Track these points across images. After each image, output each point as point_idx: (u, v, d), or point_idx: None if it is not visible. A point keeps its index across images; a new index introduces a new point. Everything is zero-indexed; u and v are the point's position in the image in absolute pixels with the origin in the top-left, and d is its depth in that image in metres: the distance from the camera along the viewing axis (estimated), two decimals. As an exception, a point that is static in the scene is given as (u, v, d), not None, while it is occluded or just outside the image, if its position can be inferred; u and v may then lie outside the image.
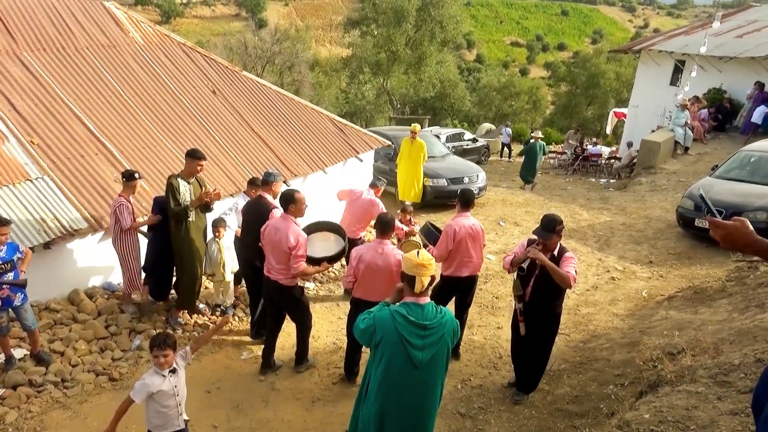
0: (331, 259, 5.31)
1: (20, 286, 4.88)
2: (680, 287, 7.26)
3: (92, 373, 5.27)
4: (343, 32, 33.96)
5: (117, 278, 6.75)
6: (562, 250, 4.62)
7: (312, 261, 5.14)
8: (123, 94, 7.82)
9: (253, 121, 8.91)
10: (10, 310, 5.02)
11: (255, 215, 5.63)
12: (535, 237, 4.69)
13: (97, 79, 7.76)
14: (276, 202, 5.61)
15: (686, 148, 14.99)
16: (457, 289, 5.61)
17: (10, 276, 4.88)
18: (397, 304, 3.23)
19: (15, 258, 4.95)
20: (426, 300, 3.22)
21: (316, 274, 7.56)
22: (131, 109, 7.72)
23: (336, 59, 39.07)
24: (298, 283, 5.29)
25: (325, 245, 5.45)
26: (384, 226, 4.85)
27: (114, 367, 5.38)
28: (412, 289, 3.18)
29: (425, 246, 5.72)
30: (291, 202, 5.01)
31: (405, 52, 28.91)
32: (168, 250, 5.94)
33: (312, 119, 9.76)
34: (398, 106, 32.95)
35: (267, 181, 5.82)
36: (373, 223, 6.15)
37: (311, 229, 5.53)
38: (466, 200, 5.52)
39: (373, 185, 7.44)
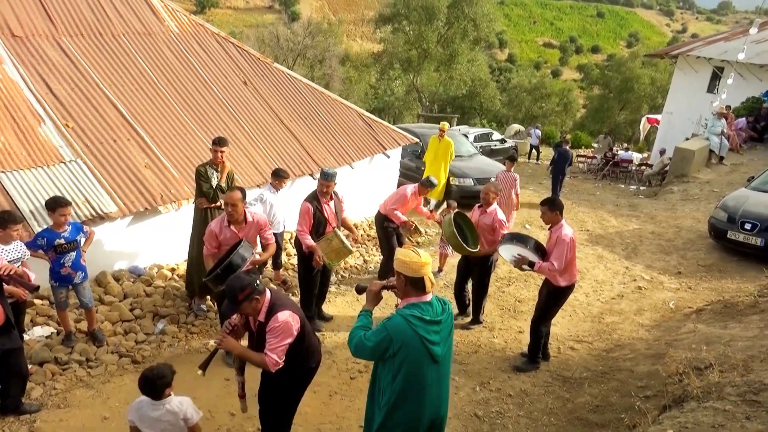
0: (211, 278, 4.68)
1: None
2: (709, 300, 7.08)
3: (116, 354, 5.37)
4: (375, 28, 33.91)
5: (143, 262, 6.86)
6: (273, 311, 3.46)
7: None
8: (156, 81, 7.92)
9: (283, 113, 8.95)
10: (69, 286, 5.17)
11: None
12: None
13: (132, 65, 7.87)
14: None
15: (721, 158, 14.60)
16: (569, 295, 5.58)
17: (72, 255, 5.04)
18: (403, 306, 3.11)
19: (78, 238, 5.09)
20: (430, 296, 3.13)
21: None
22: (164, 96, 7.81)
23: (366, 54, 39.11)
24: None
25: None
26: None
27: (137, 349, 5.47)
28: (422, 290, 3.06)
29: (531, 264, 5.24)
30: (226, 204, 4.99)
31: (436, 50, 28.76)
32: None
33: (341, 113, 9.77)
34: (427, 103, 32.83)
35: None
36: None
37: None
38: (552, 206, 5.26)
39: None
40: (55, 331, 5.53)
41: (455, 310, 6.77)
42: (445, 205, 8.03)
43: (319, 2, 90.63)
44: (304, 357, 3.69)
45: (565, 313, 6.97)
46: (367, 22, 61.67)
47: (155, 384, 3.29)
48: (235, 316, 3.59)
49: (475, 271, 6.33)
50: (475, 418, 4.87)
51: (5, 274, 4.01)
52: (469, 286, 6.59)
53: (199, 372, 3.59)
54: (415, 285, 3.05)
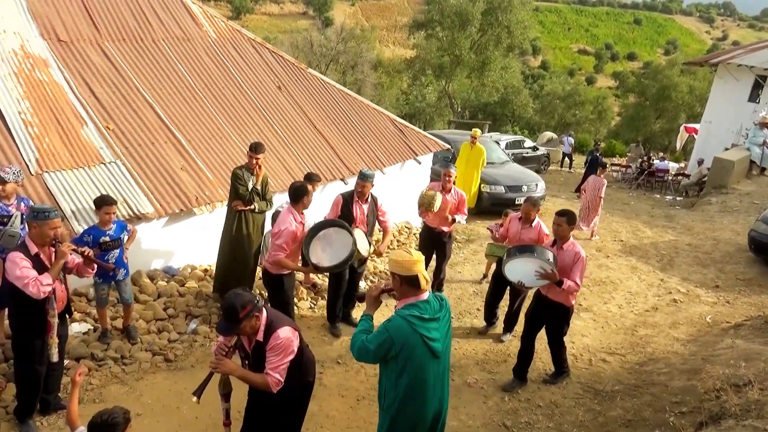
0: (333, 268, 5.23)
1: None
2: (749, 315, 6.87)
3: (149, 352, 5.48)
4: (408, 34, 34.01)
5: (177, 262, 7.00)
6: (271, 329, 3.32)
7: (316, 268, 5.22)
8: (194, 85, 8.09)
9: (316, 118, 9.04)
10: (112, 283, 5.34)
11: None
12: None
13: (171, 70, 8.06)
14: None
15: (763, 169, 14.21)
16: None
17: (116, 253, 5.20)
18: (401, 307, 3.12)
19: (122, 236, 5.24)
20: (427, 294, 3.14)
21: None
22: (201, 100, 7.98)
23: (399, 60, 39.17)
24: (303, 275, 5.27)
25: (337, 250, 5.24)
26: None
27: (170, 348, 5.57)
28: (417, 288, 3.08)
29: (560, 282, 4.89)
30: (305, 194, 5.20)
31: (469, 56, 28.63)
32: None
33: (372, 119, 9.81)
34: (459, 109, 32.72)
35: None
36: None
37: (325, 226, 5.38)
38: (571, 219, 5.10)
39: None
40: (92, 327, 5.68)
41: (483, 323, 6.67)
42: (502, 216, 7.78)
43: (352, 8, 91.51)
44: (303, 372, 3.56)
45: (597, 324, 6.86)
46: (399, 28, 62.02)
47: None
48: (221, 338, 3.40)
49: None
50: (504, 428, 4.82)
51: (85, 254, 4.18)
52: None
53: (194, 399, 3.41)
54: (410, 283, 3.09)
